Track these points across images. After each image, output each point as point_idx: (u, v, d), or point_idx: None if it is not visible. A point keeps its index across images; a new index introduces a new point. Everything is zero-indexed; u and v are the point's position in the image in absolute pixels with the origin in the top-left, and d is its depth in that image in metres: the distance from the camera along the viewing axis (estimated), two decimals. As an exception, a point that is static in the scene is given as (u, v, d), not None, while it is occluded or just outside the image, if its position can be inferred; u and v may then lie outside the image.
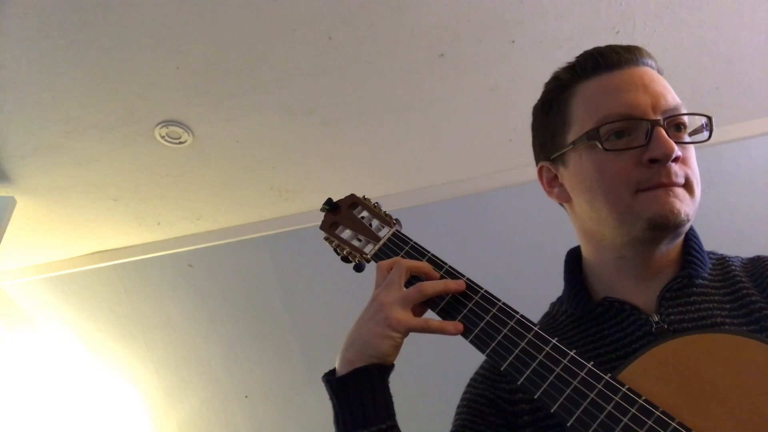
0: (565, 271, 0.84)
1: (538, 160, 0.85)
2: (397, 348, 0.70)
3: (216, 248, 2.29)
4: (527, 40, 1.62)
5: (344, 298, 2.27)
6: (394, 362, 0.72)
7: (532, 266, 2.13)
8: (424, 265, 0.76)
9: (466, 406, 0.81)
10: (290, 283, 2.38)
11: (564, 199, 0.81)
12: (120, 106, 1.71)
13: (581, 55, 0.78)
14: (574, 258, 0.84)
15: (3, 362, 2.54)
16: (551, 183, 0.83)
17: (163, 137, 1.83)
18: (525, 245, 2.16)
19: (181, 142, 1.85)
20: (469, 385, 0.84)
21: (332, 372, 0.73)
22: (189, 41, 1.55)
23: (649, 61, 0.76)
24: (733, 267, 0.75)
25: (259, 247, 2.30)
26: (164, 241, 2.28)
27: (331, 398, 0.71)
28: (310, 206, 2.17)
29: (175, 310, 2.47)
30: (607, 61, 0.75)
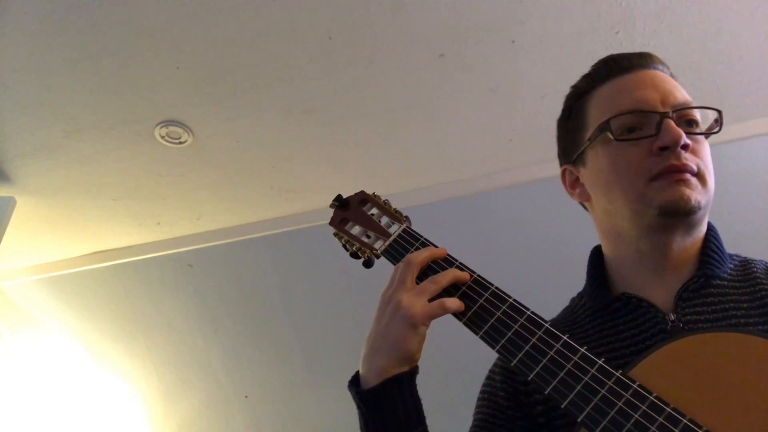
0: (588, 266, 0.85)
1: (561, 164, 0.88)
2: (422, 343, 0.70)
3: (216, 248, 2.29)
4: (527, 40, 1.62)
5: (344, 298, 2.28)
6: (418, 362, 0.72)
7: (532, 266, 2.13)
8: (430, 251, 0.76)
9: (486, 399, 0.82)
10: (290, 283, 2.38)
11: (585, 198, 0.84)
12: (120, 106, 1.71)
13: (596, 64, 0.83)
14: (597, 254, 0.85)
15: (3, 362, 2.54)
16: (573, 185, 0.86)
17: (163, 137, 1.83)
18: (525, 245, 2.16)
19: (181, 142, 1.85)
20: (487, 377, 0.85)
21: (355, 379, 0.72)
22: (189, 41, 1.55)
23: (661, 66, 0.81)
24: (756, 269, 0.75)
25: (259, 247, 2.30)
26: (164, 241, 2.28)
27: (360, 408, 0.70)
28: (310, 206, 2.16)
29: (175, 310, 2.47)
30: (619, 66, 0.80)
